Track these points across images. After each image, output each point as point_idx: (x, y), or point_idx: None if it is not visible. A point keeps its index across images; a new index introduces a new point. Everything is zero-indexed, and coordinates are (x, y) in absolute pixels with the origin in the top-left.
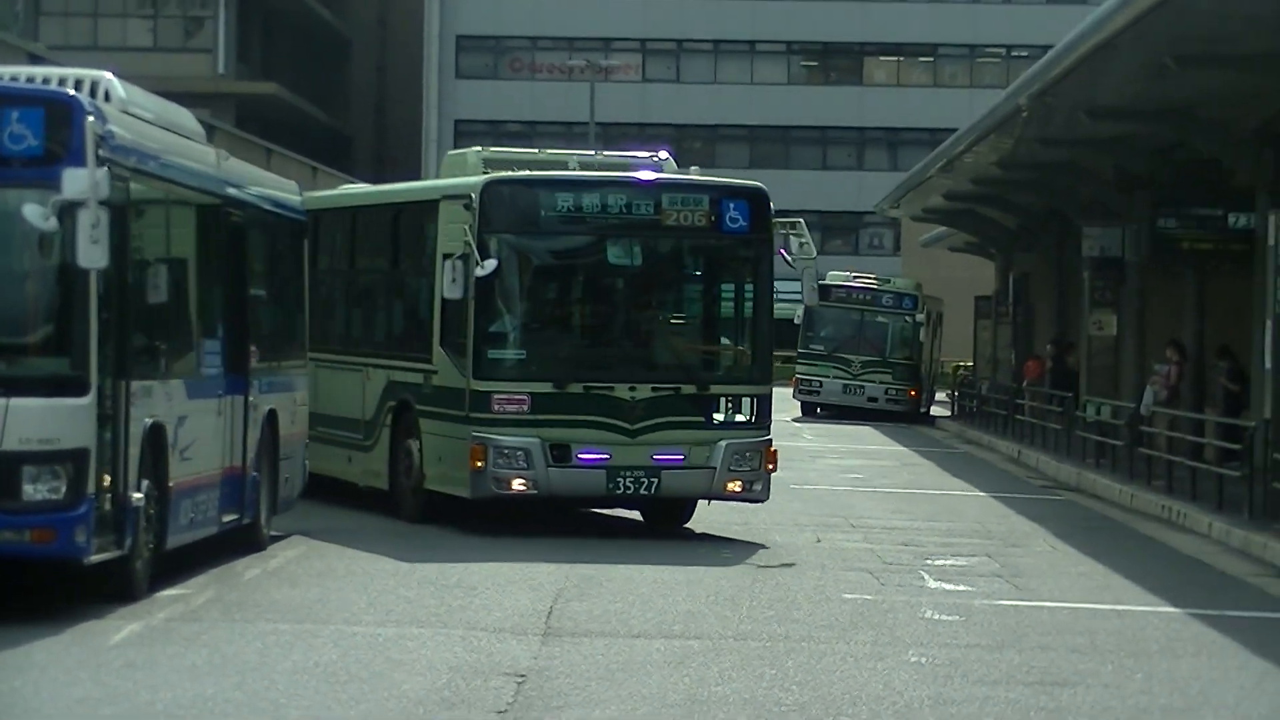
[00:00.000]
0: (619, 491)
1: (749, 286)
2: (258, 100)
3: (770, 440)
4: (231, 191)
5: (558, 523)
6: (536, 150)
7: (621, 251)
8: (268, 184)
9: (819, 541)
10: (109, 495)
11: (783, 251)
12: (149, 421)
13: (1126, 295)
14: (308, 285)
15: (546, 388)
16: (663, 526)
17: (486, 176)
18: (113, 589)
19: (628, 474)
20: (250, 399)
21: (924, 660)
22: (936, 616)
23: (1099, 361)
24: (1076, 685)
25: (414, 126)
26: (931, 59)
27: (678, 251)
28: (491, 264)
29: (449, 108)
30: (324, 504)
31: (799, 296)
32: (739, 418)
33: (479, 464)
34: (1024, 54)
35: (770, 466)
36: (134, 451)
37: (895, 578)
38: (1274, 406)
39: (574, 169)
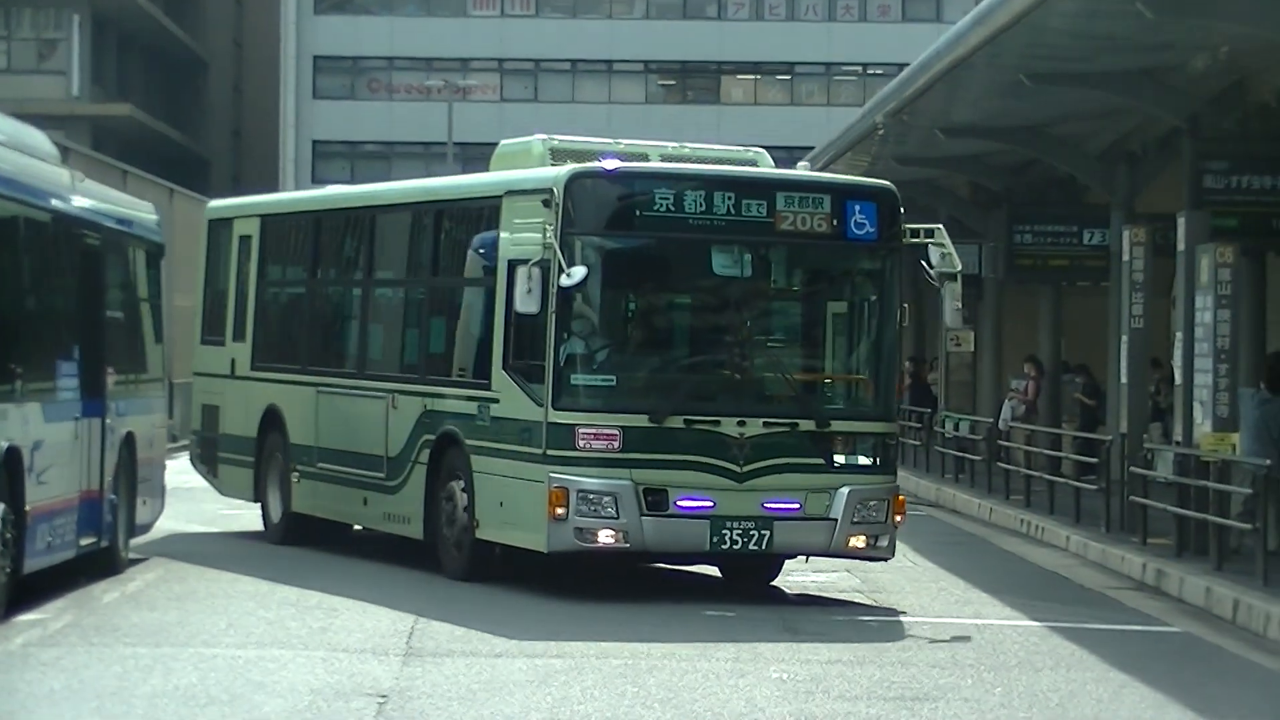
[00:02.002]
0: (725, 546)
1: (874, 304)
2: (113, 122)
3: (897, 487)
4: (86, 214)
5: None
6: (610, 140)
7: (729, 260)
8: (123, 206)
9: None
10: None
11: (923, 264)
12: (4, 445)
13: (984, 312)
14: (309, 298)
15: (640, 421)
16: (746, 584)
17: (571, 168)
18: None
19: (735, 525)
20: (108, 422)
21: (785, 676)
22: (798, 632)
23: (957, 377)
24: (937, 700)
25: (271, 147)
26: (789, 77)
27: (794, 261)
28: (581, 271)
29: (306, 129)
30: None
31: None
32: (862, 460)
33: (559, 511)
34: (879, 72)
35: (898, 518)
36: None
37: (756, 594)
38: (1129, 421)
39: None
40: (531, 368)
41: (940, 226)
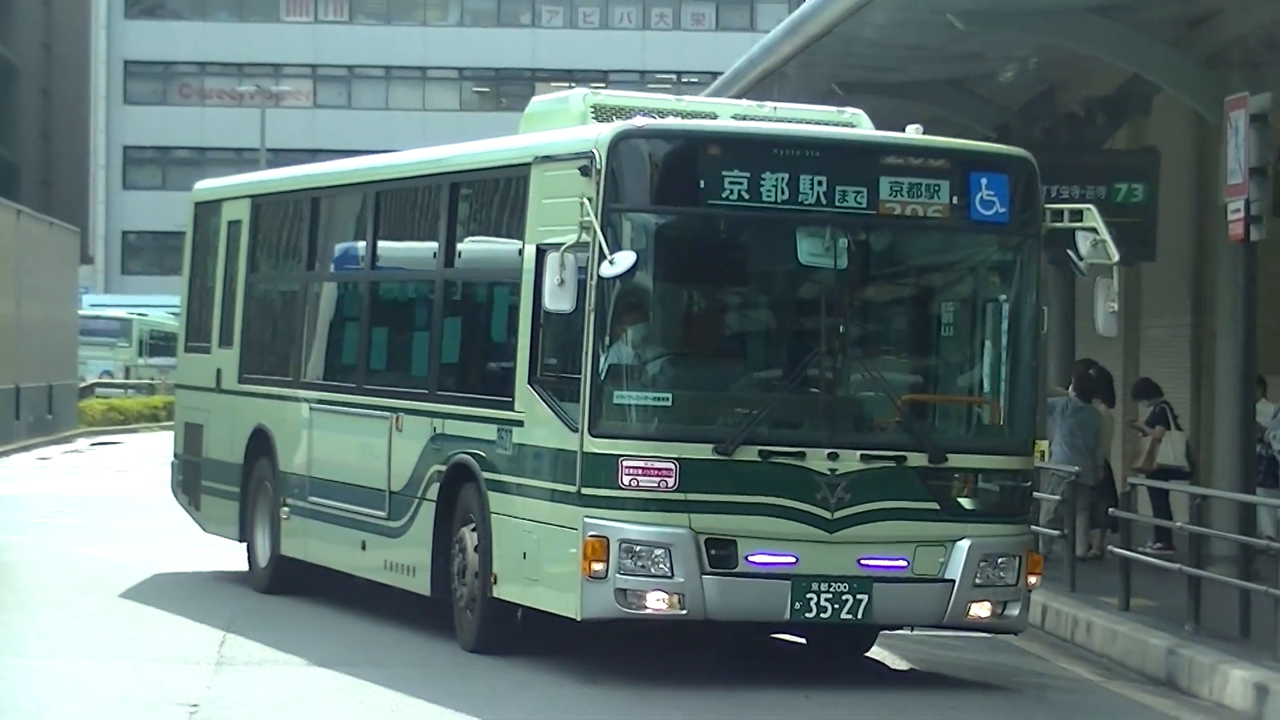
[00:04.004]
0: (810, 614)
1: (1006, 304)
2: None
3: (1033, 539)
4: None
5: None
6: (670, 96)
7: (820, 246)
8: None
9: None
10: None
11: (1068, 253)
12: None
13: None
14: (302, 296)
15: (703, 451)
16: (835, 653)
17: (617, 126)
18: None
19: (824, 587)
20: None
21: None
22: None
23: None
24: None
25: (82, 153)
26: (603, 85)
27: (903, 248)
28: (627, 258)
29: (117, 134)
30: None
31: None
32: (988, 504)
33: (597, 567)
34: (694, 80)
35: (1033, 579)
36: None
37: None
38: None
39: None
40: (564, 382)
41: (1091, 207)
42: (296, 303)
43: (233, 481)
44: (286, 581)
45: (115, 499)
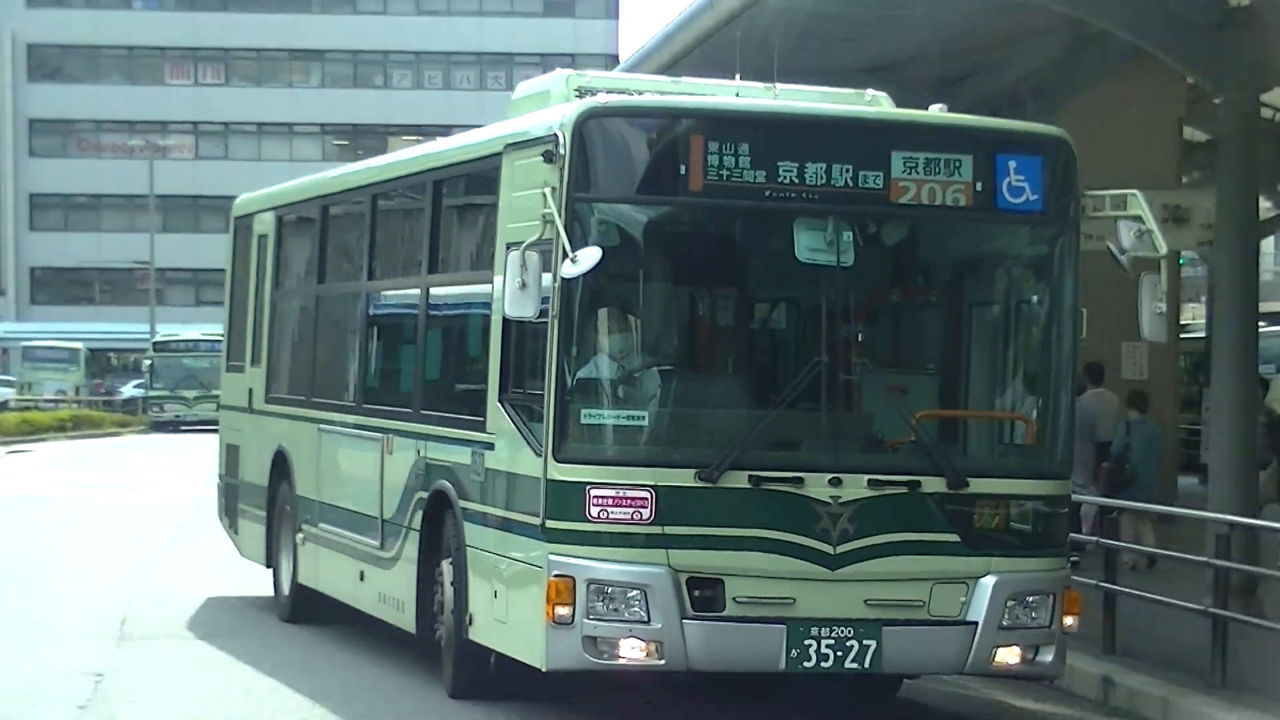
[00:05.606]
0: (808, 663)
1: (1038, 306)
2: None
3: (1069, 575)
4: None
5: None
6: (665, 79)
7: (822, 241)
8: None
9: None
10: None
11: (1109, 246)
12: None
13: None
14: (313, 311)
15: (684, 478)
16: (863, 698)
17: (584, 103)
18: None
19: (825, 632)
20: None
21: None
22: None
23: None
24: None
25: None
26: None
27: (920, 242)
28: (591, 255)
29: (24, 182)
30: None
31: None
32: (1017, 535)
33: (561, 611)
34: None
35: (1069, 620)
36: None
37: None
38: None
39: None
40: (530, 399)
41: (1135, 194)
42: (307, 318)
43: (260, 505)
44: (306, 611)
45: (29, 499)
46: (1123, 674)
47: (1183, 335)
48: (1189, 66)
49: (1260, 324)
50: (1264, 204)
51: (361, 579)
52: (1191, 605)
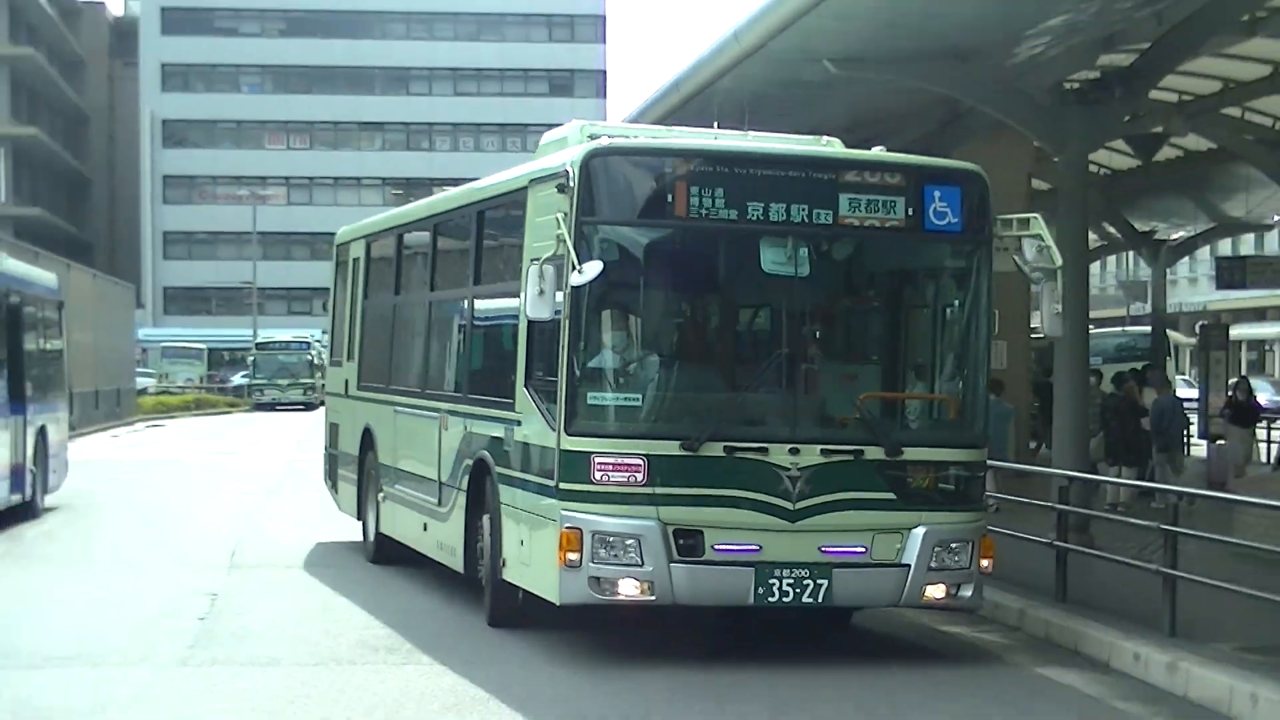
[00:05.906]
0: (773, 599)
1: (959, 308)
2: (29, 219)
3: (985, 526)
4: (12, 280)
5: None
6: (661, 128)
7: (783, 256)
8: (34, 276)
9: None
10: None
11: (1015, 259)
12: None
13: None
14: (390, 317)
15: (671, 448)
16: (815, 628)
17: (589, 145)
18: None
19: (786, 573)
20: (28, 419)
21: None
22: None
23: None
24: None
25: (135, 235)
26: None
27: (862, 256)
28: (594, 267)
29: (159, 223)
30: None
31: None
32: (942, 494)
33: (571, 556)
34: None
35: (985, 562)
36: None
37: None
38: None
39: None
40: (548, 384)
41: (1037, 216)
42: (387, 323)
43: (353, 470)
44: (386, 554)
45: (162, 461)
46: (986, 591)
47: (1033, 335)
48: (1036, 134)
49: (1090, 327)
50: (1092, 237)
51: (425, 529)
52: (1040, 539)
